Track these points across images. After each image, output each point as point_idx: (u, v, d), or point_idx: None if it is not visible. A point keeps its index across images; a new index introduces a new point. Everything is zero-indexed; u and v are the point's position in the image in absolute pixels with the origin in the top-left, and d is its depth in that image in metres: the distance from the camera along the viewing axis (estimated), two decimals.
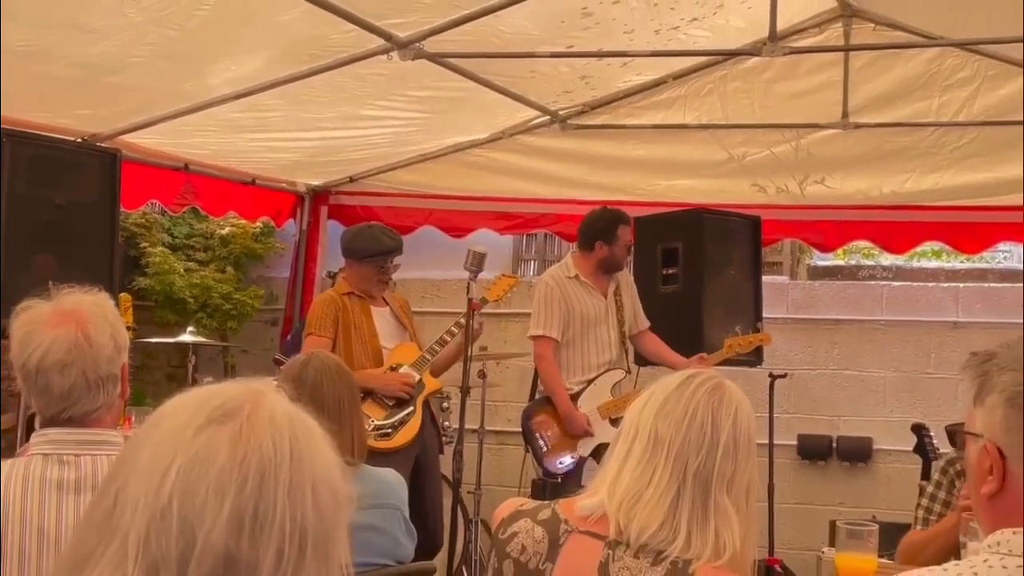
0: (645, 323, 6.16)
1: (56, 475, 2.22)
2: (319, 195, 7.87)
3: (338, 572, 1.13)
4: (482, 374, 6.51)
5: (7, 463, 2.25)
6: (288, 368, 3.06)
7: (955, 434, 2.97)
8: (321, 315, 5.62)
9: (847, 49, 6.13)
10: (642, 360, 6.26)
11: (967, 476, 1.84)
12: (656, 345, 6.11)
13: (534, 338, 5.92)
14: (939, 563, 2.84)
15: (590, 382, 5.88)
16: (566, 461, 5.79)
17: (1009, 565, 1.65)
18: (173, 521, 1.06)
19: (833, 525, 6.28)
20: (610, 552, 1.99)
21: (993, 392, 1.75)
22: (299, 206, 7.82)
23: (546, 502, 2.16)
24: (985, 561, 1.68)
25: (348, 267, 5.81)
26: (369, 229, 5.85)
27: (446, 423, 6.43)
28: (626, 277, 6.18)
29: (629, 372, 6.06)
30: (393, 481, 3.15)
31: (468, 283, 5.55)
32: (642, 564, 1.95)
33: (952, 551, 2.96)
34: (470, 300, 5.46)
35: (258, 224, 7.83)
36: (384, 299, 5.80)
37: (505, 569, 2.09)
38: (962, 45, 5.96)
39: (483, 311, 5.68)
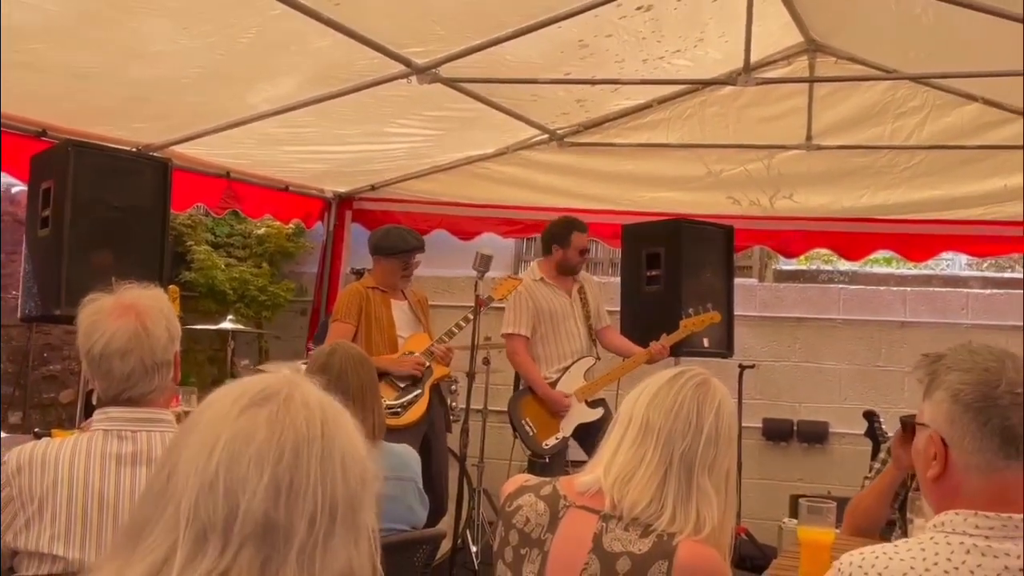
0: (607, 321, 6.21)
1: (116, 449, 2.24)
2: (344, 201, 7.88)
3: (366, 539, 1.15)
4: (486, 361, 6.53)
5: (71, 438, 2.27)
6: (315, 357, 3.06)
7: (906, 424, 2.97)
8: (347, 304, 5.66)
9: (811, 81, 6.14)
10: None
11: (915, 461, 1.86)
12: (617, 339, 6.15)
13: (506, 336, 5.95)
14: (876, 510, 2.88)
15: (565, 370, 5.91)
16: (551, 443, 5.80)
17: (952, 542, 1.68)
18: (219, 490, 1.08)
19: (793, 499, 6.32)
20: (604, 524, 2.01)
21: (940, 389, 1.78)
22: (327, 210, 7.83)
23: (547, 479, 2.17)
24: (931, 539, 1.71)
25: (376, 263, 5.81)
26: (397, 230, 5.88)
27: (453, 404, 6.44)
28: (589, 280, 6.22)
29: (599, 359, 6.08)
30: (409, 456, 3.17)
31: (476, 282, 5.57)
32: (631, 536, 1.97)
33: (886, 500, 2.98)
34: (477, 297, 5.47)
35: (291, 225, 7.84)
36: (404, 293, 5.82)
37: (511, 538, 2.11)
38: (913, 79, 5.97)
39: (489, 305, 5.69)
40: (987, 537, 1.67)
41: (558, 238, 5.98)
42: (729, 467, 2.03)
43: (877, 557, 1.71)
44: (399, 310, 5.77)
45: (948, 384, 1.77)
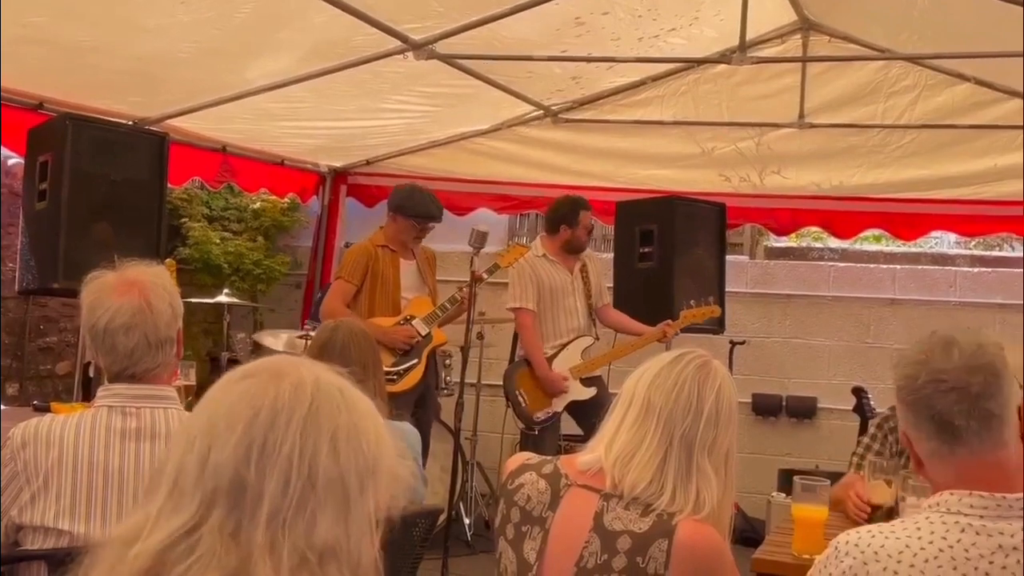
0: (607, 299, 6.21)
1: (120, 424, 2.24)
2: (339, 175, 7.85)
3: (363, 521, 1.13)
4: (480, 335, 6.54)
5: (76, 414, 2.27)
6: (320, 332, 3.08)
7: None
8: (353, 263, 5.70)
9: (804, 60, 6.14)
10: None
11: None
12: (617, 316, 6.15)
13: (514, 310, 5.95)
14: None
15: (563, 347, 5.91)
16: (542, 416, 5.82)
17: (948, 521, 1.71)
18: (195, 446, 1.10)
19: (782, 473, 6.37)
20: (605, 503, 2.01)
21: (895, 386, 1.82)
22: (322, 184, 7.80)
23: (549, 457, 2.18)
24: (927, 518, 1.73)
25: (392, 219, 5.81)
26: (421, 193, 5.89)
27: (448, 377, 6.46)
28: (593, 259, 6.21)
29: (597, 339, 6.09)
30: (410, 434, 3.18)
31: (472, 258, 5.57)
32: (632, 515, 1.98)
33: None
34: (473, 272, 5.49)
35: (286, 200, 7.82)
36: (413, 252, 5.83)
37: (512, 515, 2.12)
38: (906, 59, 5.98)
39: (487, 279, 5.69)
40: (981, 516, 1.69)
41: (567, 218, 5.96)
42: (729, 448, 2.04)
43: (873, 536, 1.73)
44: (407, 271, 5.81)
45: (895, 381, 1.81)
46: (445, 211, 5.98)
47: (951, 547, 1.67)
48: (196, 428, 1.12)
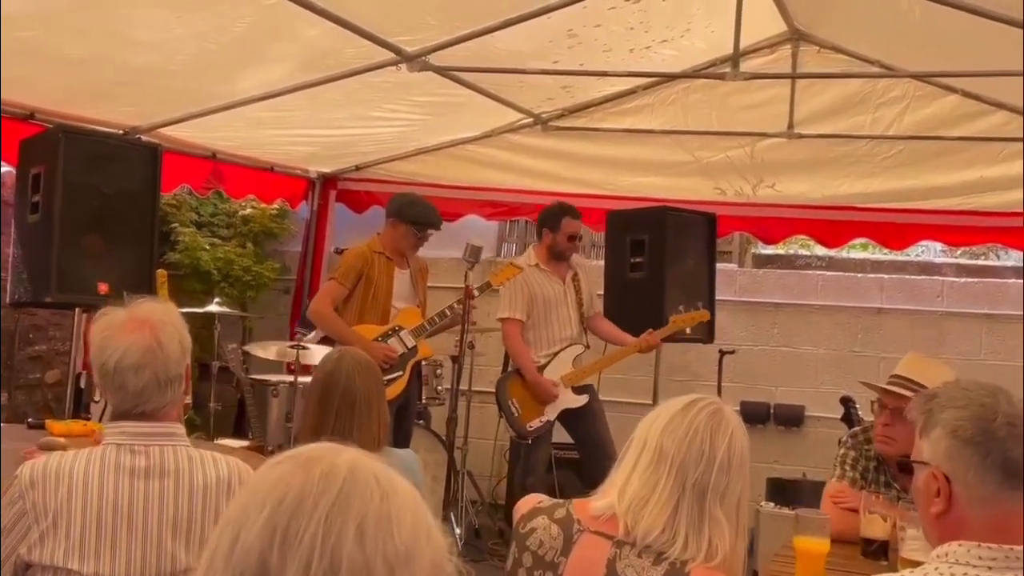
0: (598, 308, 6.23)
1: (129, 463, 2.23)
2: (328, 181, 7.83)
3: None
4: (471, 344, 6.54)
5: (84, 451, 2.26)
6: (324, 362, 3.07)
7: (903, 465, 3.02)
8: (348, 266, 5.70)
9: (795, 77, 6.16)
10: None
11: (916, 499, 1.90)
12: (607, 326, 6.16)
13: (502, 320, 5.96)
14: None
15: (555, 355, 5.93)
16: (535, 425, 5.84)
17: (956, 573, 1.72)
18: (228, 528, 1.10)
19: (770, 481, 6.40)
20: (617, 551, 2.02)
21: (937, 426, 1.82)
22: (310, 190, 7.78)
23: (560, 500, 2.18)
24: (936, 569, 1.74)
25: (391, 226, 5.79)
26: (422, 201, 5.89)
27: (439, 387, 6.47)
28: (585, 267, 6.21)
29: (587, 347, 6.11)
30: (412, 461, 3.18)
31: (466, 272, 5.58)
32: (645, 563, 1.98)
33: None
34: (467, 286, 5.49)
35: (275, 205, 7.80)
36: (408, 261, 5.83)
37: (524, 560, 2.12)
38: (894, 76, 6.01)
39: (477, 296, 5.71)
40: (990, 568, 1.71)
41: (548, 222, 5.99)
42: (741, 495, 2.05)
43: None
44: (400, 280, 5.80)
45: (944, 421, 1.81)
46: None
47: None
48: (232, 510, 1.13)
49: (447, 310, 5.70)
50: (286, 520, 1.08)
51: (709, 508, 1.99)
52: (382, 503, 1.11)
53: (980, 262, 7.76)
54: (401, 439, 5.59)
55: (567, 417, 5.91)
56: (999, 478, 1.75)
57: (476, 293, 5.60)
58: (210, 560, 1.12)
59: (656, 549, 1.98)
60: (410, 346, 5.70)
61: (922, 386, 2.96)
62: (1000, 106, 6.04)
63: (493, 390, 6.03)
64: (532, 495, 2.26)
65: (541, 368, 5.87)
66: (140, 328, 2.26)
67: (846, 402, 6.18)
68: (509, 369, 6.10)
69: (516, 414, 5.84)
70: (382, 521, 1.10)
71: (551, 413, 5.87)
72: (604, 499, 2.08)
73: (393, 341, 5.68)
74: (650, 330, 5.88)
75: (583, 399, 5.89)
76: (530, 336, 5.95)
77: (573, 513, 2.11)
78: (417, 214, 5.73)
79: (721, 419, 2.07)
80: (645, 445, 2.07)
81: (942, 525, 1.80)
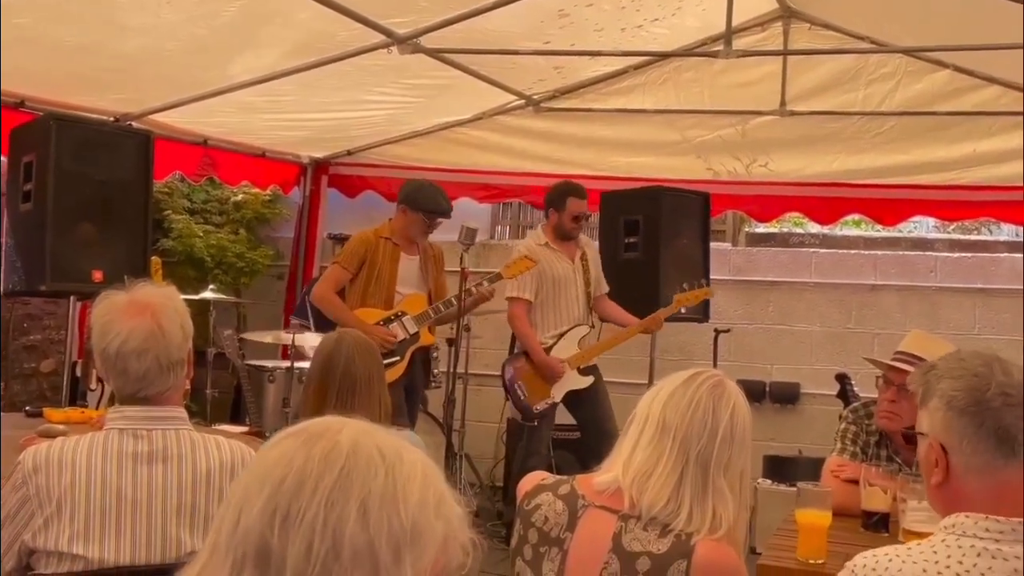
0: (605, 289, 6.19)
1: (131, 448, 2.23)
2: (320, 166, 7.82)
3: None
4: (467, 327, 6.54)
5: (87, 436, 2.26)
6: (323, 344, 3.06)
7: (909, 436, 3.03)
8: (352, 251, 5.71)
9: (786, 54, 6.16)
10: None
11: (922, 469, 1.91)
12: (612, 308, 6.13)
13: (510, 299, 5.92)
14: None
15: (561, 336, 5.91)
16: (541, 407, 5.83)
17: (964, 544, 1.72)
18: (231, 505, 1.10)
19: (766, 459, 6.42)
20: (623, 524, 2.03)
21: (934, 397, 1.83)
22: (303, 175, 7.77)
23: (564, 477, 2.19)
24: (943, 540, 1.75)
25: (400, 213, 5.77)
26: (432, 188, 5.85)
27: (436, 370, 6.47)
28: (592, 247, 6.19)
29: (593, 327, 6.10)
30: (416, 442, 3.18)
31: (461, 255, 5.57)
32: (650, 535, 1.99)
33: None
34: (463, 269, 5.48)
35: (268, 191, 7.78)
36: (419, 247, 5.83)
37: (530, 536, 2.13)
38: (886, 51, 6.01)
39: (488, 286, 5.73)
40: (997, 541, 1.71)
41: (554, 202, 5.95)
42: (743, 467, 2.06)
43: (891, 560, 1.75)
44: (407, 265, 5.78)
45: (941, 392, 1.82)
46: None
47: (967, 571, 1.69)
48: (234, 491, 1.12)
49: (453, 299, 5.68)
50: (287, 502, 1.07)
51: (713, 479, 2.01)
52: (386, 480, 1.09)
53: (972, 237, 7.78)
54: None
55: (572, 398, 5.89)
56: (993, 447, 1.76)
57: (486, 283, 5.61)
58: (214, 541, 1.12)
59: (661, 521, 1.99)
60: (412, 332, 5.69)
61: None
62: (992, 80, 6.06)
63: (489, 373, 6.02)
64: (535, 472, 2.27)
65: (548, 349, 5.84)
66: (142, 312, 2.25)
67: (842, 379, 6.19)
68: (515, 351, 6.08)
69: (522, 396, 5.83)
70: (386, 499, 1.09)
71: (557, 395, 5.85)
72: (608, 474, 2.09)
73: (395, 326, 5.67)
74: (653, 315, 5.88)
75: (588, 380, 5.88)
76: (537, 317, 5.89)
77: (577, 489, 2.12)
78: (427, 201, 5.70)
79: (723, 391, 2.08)
80: (648, 419, 2.07)
81: (944, 495, 1.81)
